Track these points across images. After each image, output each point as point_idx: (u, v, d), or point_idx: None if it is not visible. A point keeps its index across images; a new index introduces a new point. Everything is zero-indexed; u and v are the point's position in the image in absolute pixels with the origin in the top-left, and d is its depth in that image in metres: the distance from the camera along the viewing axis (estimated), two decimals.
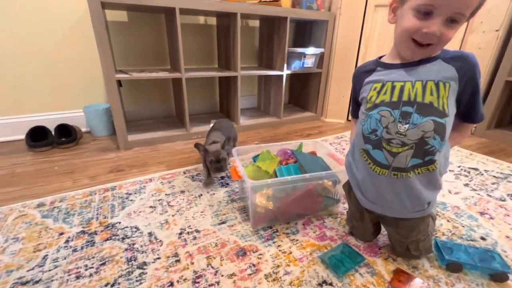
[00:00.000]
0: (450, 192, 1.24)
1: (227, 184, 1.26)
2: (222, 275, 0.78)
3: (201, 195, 1.17)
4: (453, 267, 0.80)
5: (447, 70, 0.66)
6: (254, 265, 0.82)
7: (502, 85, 1.83)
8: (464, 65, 0.65)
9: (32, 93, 1.73)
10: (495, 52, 1.83)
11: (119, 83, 1.83)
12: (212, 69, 2.03)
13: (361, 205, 0.84)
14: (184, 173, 1.36)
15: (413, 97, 0.67)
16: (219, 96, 2.35)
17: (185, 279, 0.76)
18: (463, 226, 1.01)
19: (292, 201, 0.97)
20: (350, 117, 1.01)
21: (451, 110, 0.67)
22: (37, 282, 0.74)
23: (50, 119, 1.79)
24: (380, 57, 0.80)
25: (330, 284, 0.76)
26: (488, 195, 1.22)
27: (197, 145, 1.23)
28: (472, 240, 0.94)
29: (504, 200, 1.18)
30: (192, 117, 2.12)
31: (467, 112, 0.72)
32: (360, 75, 0.81)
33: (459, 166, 1.49)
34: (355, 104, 0.90)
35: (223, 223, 1.00)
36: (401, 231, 0.80)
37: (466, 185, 1.30)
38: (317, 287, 0.75)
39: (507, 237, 0.96)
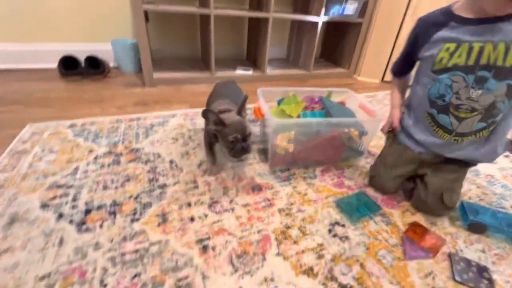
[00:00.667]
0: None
1: None
2: (237, 204, 0.80)
3: None
4: (476, 228, 0.77)
5: None
6: (268, 200, 0.83)
7: None
8: None
9: (62, 21, 1.73)
10: None
11: (146, 17, 1.77)
12: (243, 9, 1.89)
13: (407, 150, 0.82)
14: None
15: (493, 61, 0.62)
16: (247, 42, 2.22)
17: (202, 203, 0.80)
18: (494, 194, 0.94)
19: (314, 146, 0.94)
20: (389, 77, 0.87)
21: None
22: (69, 187, 0.81)
23: (80, 51, 1.80)
24: (452, 5, 0.68)
25: (343, 225, 0.76)
26: None
27: (206, 113, 0.74)
28: (502, 208, 0.88)
29: None
30: (218, 61, 2.04)
31: None
32: (427, 28, 0.71)
33: None
34: (406, 61, 0.81)
35: (241, 160, 1.01)
36: (443, 174, 0.79)
37: (507, 156, 1.19)
38: (328, 226, 0.76)
39: None
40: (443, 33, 0.68)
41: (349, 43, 2.15)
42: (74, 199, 0.77)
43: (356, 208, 0.81)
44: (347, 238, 0.72)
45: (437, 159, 0.80)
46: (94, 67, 1.70)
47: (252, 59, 2.14)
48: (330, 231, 0.74)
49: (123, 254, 0.63)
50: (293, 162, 0.99)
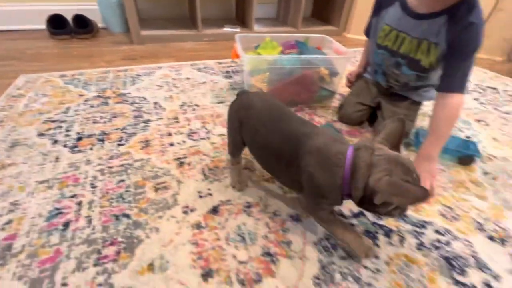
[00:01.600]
0: None
1: (231, 76, 1.31)
2: (213, 134, 0.89)
3: (205, 82, 1.24)
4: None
5: (440, 32, 0.68)
6: None
7: None
8: (460, 27, 0.65)
9: None
10: None
11: None
12: None
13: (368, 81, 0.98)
14: (192, 65, 1.41)
15: (407, 51, 0.77)
16: (235, 1, 2.19)
17: (181, 133, 0.89)
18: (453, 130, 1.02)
19: (286, 84, 1.01)
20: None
21: (437, 67, 0.74)
22: (62, 121, 0.90)
23: (67, 9, 1.81)
24: None
25: None
26: (495, 108, 1.18)
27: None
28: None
29: (509, 114, 1.14)
30: (206, 20, 2.04)
31: (447, 75, 0.69)
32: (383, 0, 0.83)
33: (476, 84, 1.41)
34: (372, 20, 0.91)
35: (221, 102, 1.08)
36: (395, 104, 0.91)
37: (476, 99, 1.26)
38: None
39: (494, 139, 0.97)
40: (388, 12, 0.80)
41: (339, 1, 2.12)
42: (67, 130, 0.86)
43: None
44: None
45: (388, 91, 0.93)
46: (82, 26, 1.72)
47: (241, 18, 2.13)
48: None
49: (110, 167, 0.73)
50: None
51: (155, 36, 1.73)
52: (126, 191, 0.66)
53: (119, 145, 0.81)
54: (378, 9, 0.85)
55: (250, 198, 0.67)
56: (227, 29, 1.93)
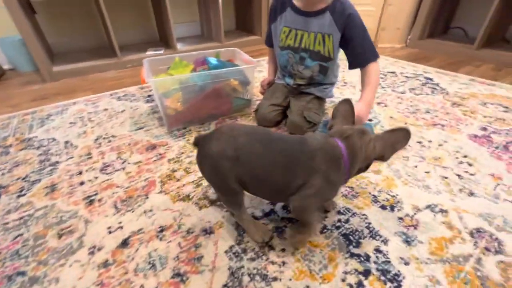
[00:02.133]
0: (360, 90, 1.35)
1: (153, 100, 1.29)
2: (129, 163, 0.87)
3: (124, 110, 1.21)
4: None
5: (330, 23, 0.85)
6: (160, 154, 0.91)
7: None
8: (341, 16, 0.83)
9: None
10: None
11: (32, 9, 1.65)
12: None
13: (282, 85, 1.07)
14: (111, 95, 1.36)
15: (308, 45, 0.90)
16: (156, 23, 2.19)
17: (93, 169, 0.85)
18: None
19: (199, 101, 1.03)
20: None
21: (336, 55, 0.91)
22: None
23: None
24: None
25: None
26: (392, 90, 1.35)
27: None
28: None
29: (404, 93, 1.32)
30: (129, 46, 2.01)
31: (355, 54, 0.88)
32: (275, 8, 0.94)
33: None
34: (271, 30, 1.02)
35: (140, 129, 1.06)
36: (301, 100, 1.00)
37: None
38: None
39: (391, 117, 1.11)
40: (283, 18, 0.92)
41: (257, 10, 2.24)
42: None
43: None
44: None
45: (297, 90, 1.03)
46: None
47: (164, 40, 2.13)
48: None
49: (6, 223, 0.67)
50: (189, 121, 1.08)
51: (70, 70, 1.64)
52: (23, 245, 0.61)
53: (19, 196, 0.75)
54: (274, 16, 0.97)
55: (164, 221, 0.66)
56: (150, 53, 1.91)
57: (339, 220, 0.66)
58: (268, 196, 0.59)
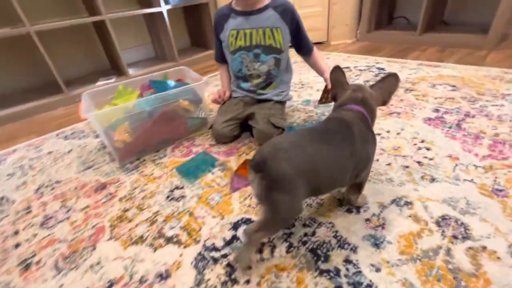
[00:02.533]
0: (318, 90, 1.36)
1: None
2: (75, 211, 0.78)
3: (71, 150, 1.10)
4: None
5: (276, 18, 0.89)
6: (111, 194, 0.83)
7: None
8: (285, 11, 0.89)
9: None
10: None
11: None
12: (78, 17, 1.75)
13: (237, 99, 1.04)
14: (57, 135, 1.25)
15: (259, 41, 0.92)
16: (105, 51, 2.09)
17: (32, 225, 0.75)
18: (316, 114, 1.13)
19: (149, 128, 0.96)
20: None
21: (286, 46, 0.94)
22: None
23: None
24: (232, 1, 0.95)
25: (182, 188, 0.82)
26: None
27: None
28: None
29: None
30: (79, 79, 1.90)
31: (299, 44, 0.97)
32: (220, 19, 0.96)
33: None
34: (219, 44, 1.00)
35: (88, 168, 0.97)
36: (263, 107, 0.98)
37: None
38: (168, 193, 0.80)
39: None
40: (228, 23, 0.94)
41: (209, 25, 2.22)
42: None
43: (196, 168, 0.88)
44: (183, 197, 0.78)
45: (254, 100, 1.01)
46: None
47: (116, 67, 2.03)
48: (168, 197, 0.79)
49: None
50: (142, 150, 1.00)
51: (11, 115, 1.50)
52: None
53: None
54: (219, 28, 0.97)
55: (113, 273, 0.58)
56: (101, 83, 1.81)
57: (305, 234, 0.62)
58: (339, 184, 0.60)
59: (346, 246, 0.58)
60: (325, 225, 0.63)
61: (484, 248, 0.54)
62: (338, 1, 2.04)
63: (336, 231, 0.61)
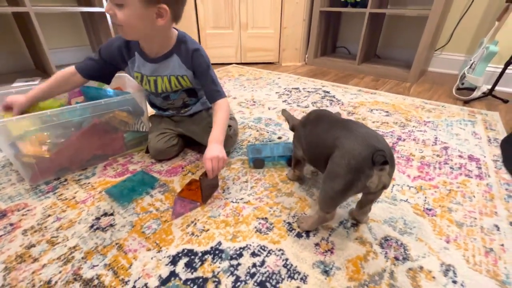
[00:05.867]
0: (269, 108, 1.36)
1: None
2: None
3: None
4: (257, 163, 0.87)
5: (179, 65, 0.80)
6: (12, 225, 0.65)
7: (318, 16, 2.09)
8: (187, 56, 0.79)
9: None
10: None
11: None
12: None
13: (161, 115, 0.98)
14: None
15: (164, 88, 0.84)
16: (28, 50, 1.79)
17: None
18: (267, 132, 1.12)
19: (74, 142, 0.81)
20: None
21: (196, 86, 0.87)
22: None
23: None
24: None
25: (111, 214, 0.69)
26: (297, 105, 1.41)
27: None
28: (270, 141, 1.05)
29: (307, 107, 1.39)
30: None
31: (207, 91, 0.84)
32: (122, 47, 0.80)
33: (284, 88, 1.67)
34: (101, 65, 0.83)
35: None
36: (195, 123, 0.93)
37: (284, 101, 1.47)
38: (93, 221, 0.66)
39: None
40: (133, 60, 0.81)
41: None
42: None
43: (130, 190, 0.76)
44: (112, 225, 0.65)
45: (182, 117, 0.95)
46: None
47: (41, 67, 1.75)
48: (92, 226, 0.65)
49: None
50: (65, 168, 0.83)
51: None
52: None
53: None
54: (117, 57, 0.81)
55: None
56: (19, 84, 1.52)
57: (254, 265, 0.56)
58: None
59: (296, 276, 0.54)
60: (275, 253, 0.59)
61: (421, 268, 0.56)
62: (289, 26, 2.17)
63: (286, 259, 0.57)
